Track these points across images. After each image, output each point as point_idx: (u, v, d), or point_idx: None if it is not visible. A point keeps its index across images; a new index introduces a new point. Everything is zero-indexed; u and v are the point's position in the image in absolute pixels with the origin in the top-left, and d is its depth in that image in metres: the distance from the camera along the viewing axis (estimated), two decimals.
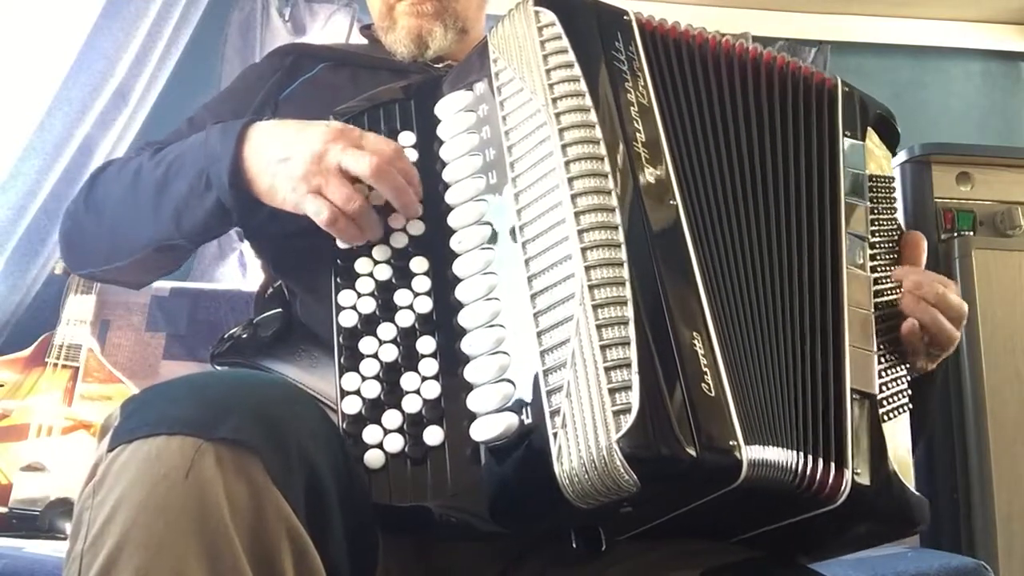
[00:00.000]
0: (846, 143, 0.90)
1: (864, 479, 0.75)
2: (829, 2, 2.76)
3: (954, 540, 1.84)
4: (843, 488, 0.73)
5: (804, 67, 0.92)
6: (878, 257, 0.88)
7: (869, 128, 0.94)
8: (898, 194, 1.93)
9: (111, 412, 0.67)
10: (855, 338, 0.81)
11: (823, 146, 0.89)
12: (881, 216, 0.90)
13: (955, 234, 2.05)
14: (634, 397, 0.66)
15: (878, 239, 0.89)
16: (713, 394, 0.69)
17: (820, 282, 0.82)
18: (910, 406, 0.84)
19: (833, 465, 0.74)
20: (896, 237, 0.92)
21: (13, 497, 1.62)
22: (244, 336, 0.96)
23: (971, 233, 2.06)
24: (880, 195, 0.91)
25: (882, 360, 0.83)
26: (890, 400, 0.82)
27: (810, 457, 0.73)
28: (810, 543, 0.85)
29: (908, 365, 0.87)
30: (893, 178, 0.94)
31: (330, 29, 2.50)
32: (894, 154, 0.97)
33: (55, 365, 1.79)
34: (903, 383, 0.85)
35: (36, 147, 1.81)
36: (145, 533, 0.58)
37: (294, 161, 0.82)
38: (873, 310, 0.85)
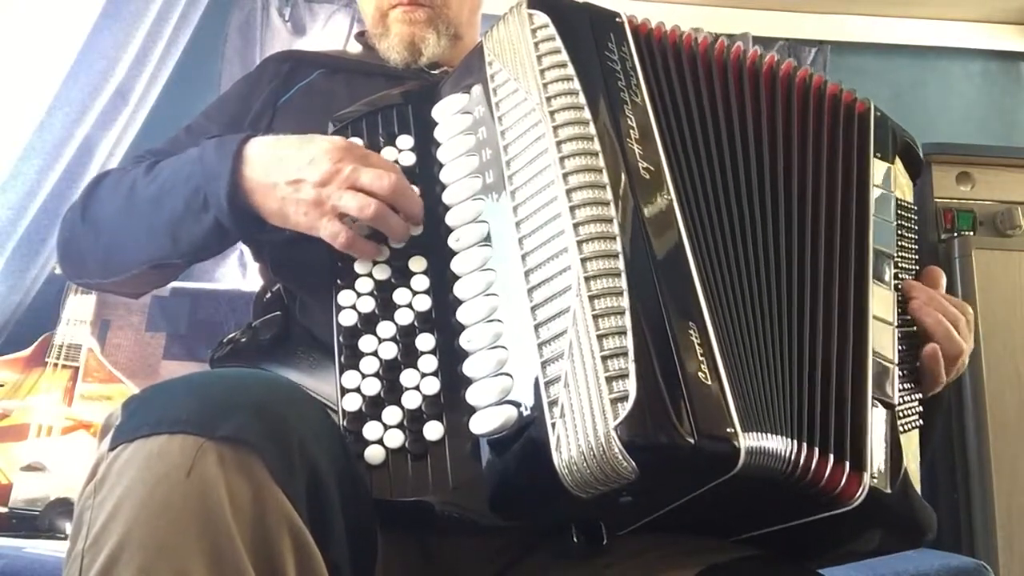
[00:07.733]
0: (877, 164, 0.90)
1: (882, 484, 0.75)
2: (829, 2, 2.76)
3: (954, 540, 1.85)
4: (860, 491, 0.73)
5: (832, 85, 0.91)
6: (899, 276, 0.88)
7: (897, 155, 0.94)
8: None
9: (112, 411, 0.67)
10: (878, 347, 0.81)
11: (850, 162, 0.88)
12: (905, 239, 0.90)
13: (955, 234, 2.05)
14: (631, 385, 0.67)
15: (902, 261, 0.89)
16: (709, 383, 0.69)
17: (840, 292, 0.82)
18: (921, 423, 0.84)
19: (849, 465, 0.73)
20: (916, 267, 0.91)
21: (13, 497, 1.62)
22: (243, 340, 0.96)
23: (971, 233, 2.06)
24: (904, 220, 0.91)
25: (900, 374, 0.83)
26: (905, 413, 0.82)
27: (816, 449, 0.73)
28: (820, 547, 0.85)
29: (922, 384, 0.86)
30: (916, 208, 0.93)
31: (330, 29, 2.50)
32: (915, 184, 0.97)
33: (55, 365, 1.79)
34: (916, 400, 0.85)
35: (36, 147, 1.81)
36: (147, 532, 0.58)
37: (305, 185, 0.82)
38: (896, 325, 0.84)
